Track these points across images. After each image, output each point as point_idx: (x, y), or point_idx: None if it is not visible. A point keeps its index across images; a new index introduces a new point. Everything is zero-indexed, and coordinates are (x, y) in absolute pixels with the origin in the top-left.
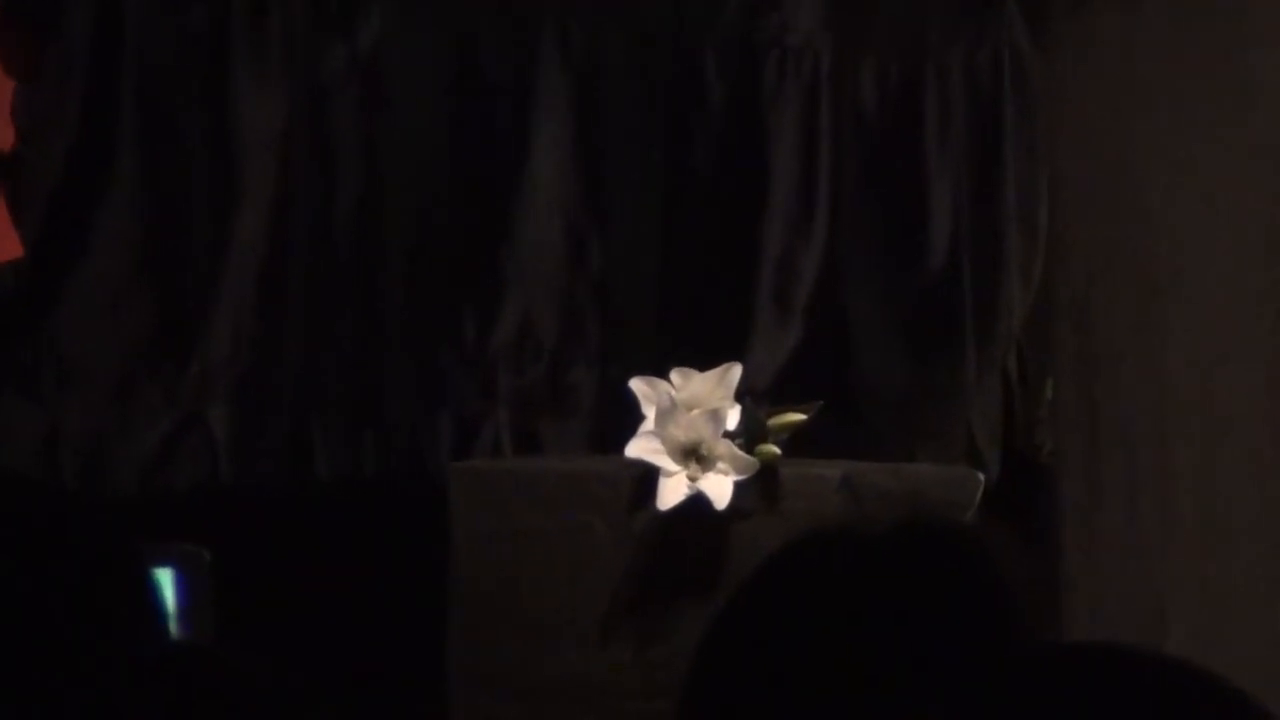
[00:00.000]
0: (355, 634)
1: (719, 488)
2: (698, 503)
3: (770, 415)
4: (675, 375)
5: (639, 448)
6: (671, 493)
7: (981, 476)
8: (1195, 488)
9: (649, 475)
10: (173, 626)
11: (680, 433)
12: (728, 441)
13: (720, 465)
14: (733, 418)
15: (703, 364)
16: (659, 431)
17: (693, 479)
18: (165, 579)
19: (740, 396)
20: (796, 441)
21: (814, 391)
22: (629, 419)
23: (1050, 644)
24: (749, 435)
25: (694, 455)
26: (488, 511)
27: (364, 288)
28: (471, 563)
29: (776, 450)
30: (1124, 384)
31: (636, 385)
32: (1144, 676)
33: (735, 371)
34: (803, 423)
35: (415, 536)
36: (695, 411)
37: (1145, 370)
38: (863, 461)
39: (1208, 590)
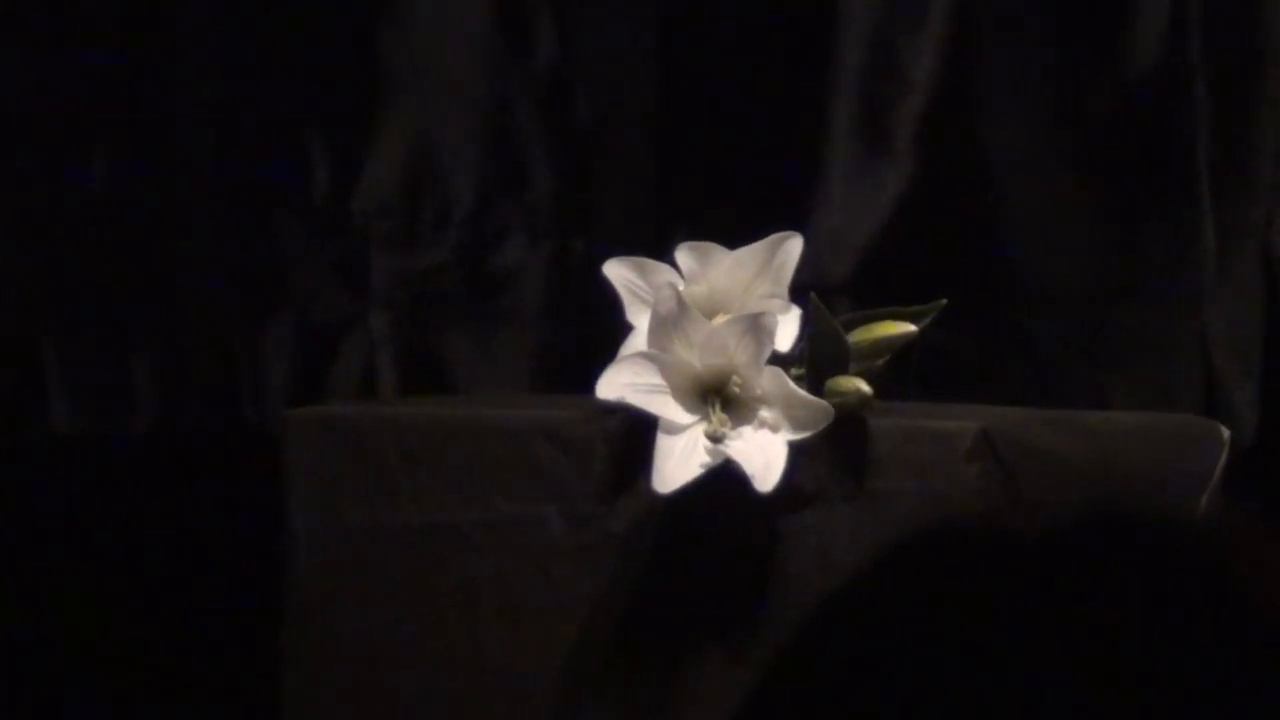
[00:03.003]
0: (119, 691)
1: (763, 454)
2: (725, 481)
3: (855, 324)
4: (685, 254)
5: (622, 382)
6: (679, 463)
7: (1227, 432)
8: None
9: (639, 432)
10: None
11: (695, 356)
12: (778, 371)
13: (765, 414)
14: (788, 329)
15: (733, 235)
16: (657, 354)
17: (716, 438)
18: None
19: (798, 295)
20: (901, 371)
21: (930, 283)
22: (605, 331)
23: None
24: (818, 360)
25: (719, 396)
26: (352, 493)
27: (135, 98)
28: (321, 584)
29: (865, 388)
30: None
31: (617, 271)
32: None
33: (793, 247)
34: (911, 338)
35: (224, 535)
36: (721, 318)
37: None
38: (1016, 407)
39: None
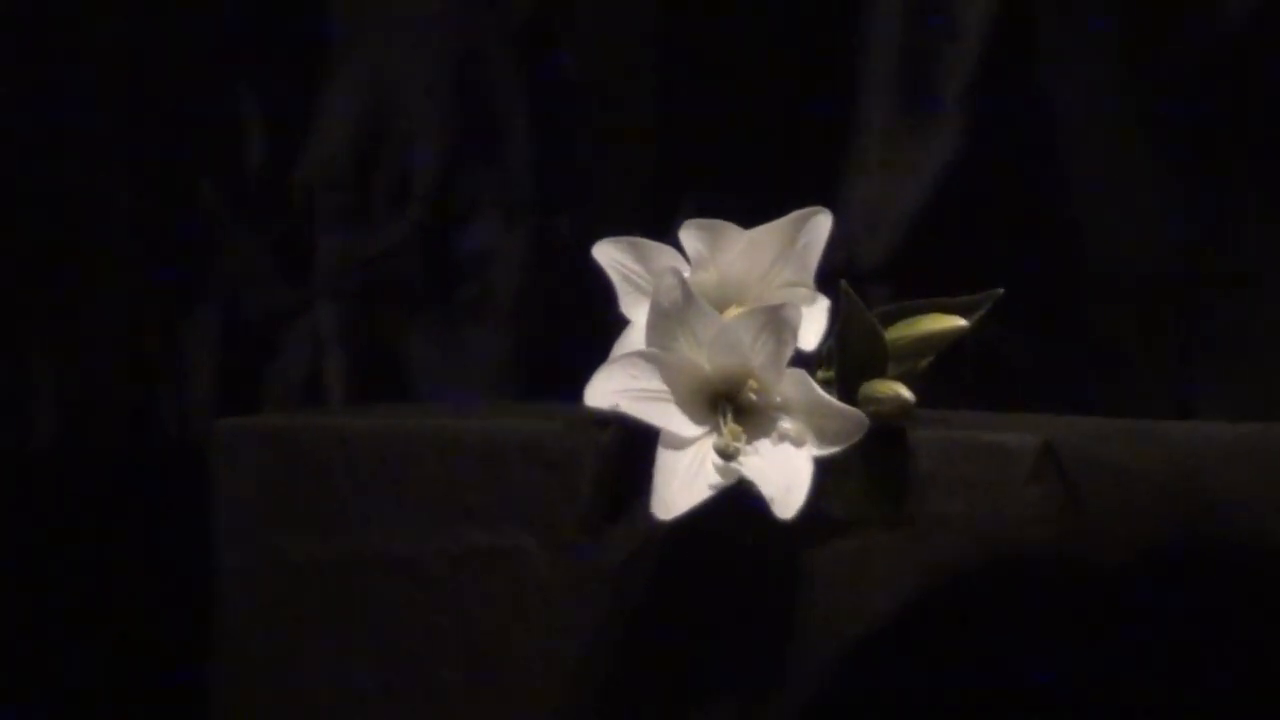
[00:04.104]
0: None
1: (784, 473)
2: (739, 506)
3: (895, 318)
4: (691, 234)
5: (615, 387)
6: (684, 484)
7: None
8: None
9: (635, 447)
10: None
11: (703, 356)
12: (802, 374)
13: (786, 425)
14: (814, 323)
15: (749, 214)
16: (657, 354)
17: (728, 454)
18: None
19: (826, 282)
20: (949, 374)
21: (983, 269)
22: (595, 326)
23: None
24: (850, 361)
25: (731, 404)
26: (292, 519)
27: (25, 44)
28: (255, 626)
29: (906, 394)
30: None
31: (609, 255)
32: None
33: (820, 225)
34: (961, 334)
35: (141, 570)
36: (734, 310)
37: None
38: (1086, 417)
39: None
